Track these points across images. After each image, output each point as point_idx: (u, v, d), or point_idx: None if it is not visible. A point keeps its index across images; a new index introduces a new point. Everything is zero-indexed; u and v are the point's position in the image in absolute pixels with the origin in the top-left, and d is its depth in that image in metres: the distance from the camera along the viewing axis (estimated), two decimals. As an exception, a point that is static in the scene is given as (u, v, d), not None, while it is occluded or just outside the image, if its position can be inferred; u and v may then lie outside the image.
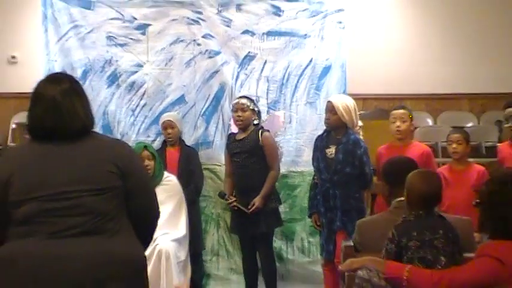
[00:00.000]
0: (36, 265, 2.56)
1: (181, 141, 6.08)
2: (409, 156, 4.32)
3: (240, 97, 5.80)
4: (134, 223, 2.75)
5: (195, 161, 6.06)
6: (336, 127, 5.29)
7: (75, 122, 2.72)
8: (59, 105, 2.71)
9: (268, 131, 5.72)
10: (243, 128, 5.67)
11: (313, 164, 5.46)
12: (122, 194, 2.70)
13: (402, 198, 3.53)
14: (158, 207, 2.92)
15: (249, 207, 5.47)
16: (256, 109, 5.73)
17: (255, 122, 5.69)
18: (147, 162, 5.33)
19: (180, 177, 5.70)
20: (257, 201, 5.49)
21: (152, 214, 2.88)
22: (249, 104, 5.65)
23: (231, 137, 5.82)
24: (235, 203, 5.57)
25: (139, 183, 2.77)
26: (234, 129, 5.89)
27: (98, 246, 2.60)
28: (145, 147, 5.51)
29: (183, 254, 5.43)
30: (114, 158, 2.72)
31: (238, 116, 5.63)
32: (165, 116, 6.09)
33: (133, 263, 2.68)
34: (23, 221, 2.61)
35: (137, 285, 2.71)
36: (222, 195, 5.69)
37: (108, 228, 2.64)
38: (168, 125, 5.99)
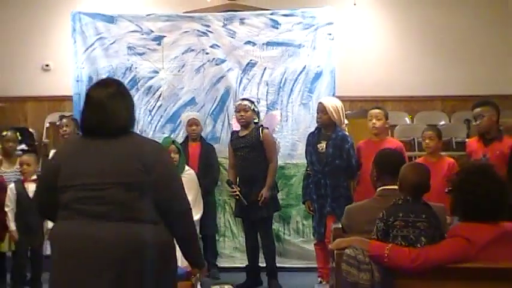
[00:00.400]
0: (69, 244, 2.62)
1: (201, 138, 6.06)
2: (399, 152, 4.34)
3: (242, 99, 5.79)
4: (162, 214, 2.70)
5: (213, 156, 6.04)
6: (326, 125, 5.32)
7: (117, 122, 2.72)
8: (105, 106, 2.71)
9: (267, 128, 5.72)
10: (245, 126, 5.65)
11: (306, 157, 5.47)
12: (145, 188, 2.65)
13: (386, 187, 3.57)
14: (186, 202, 2.84)
15: (258, 198, 5.46)
16: (256, 109, 5.72)
17: (255, 120, 5.69)
18: (173, 155, 5.31)
19: (200, 169, 5.73)
20: (264, 192, 5.47)
21: (177, 207, 2.78)
22: (250, 105, 5.64)
23: (234, 134, 5.79)
24: (237, 193, 5.56)
25: (161, 179, 2.71)
26: (236, 127, 5.88)
27: (117, 231, 2.60)
28: (173, 142, 5.54)
29: (195, 235, 5.45)
30: (140, 156, 2.68)
31: (241, 116, 5.61)
32: (191, 115, 6.08)
33: (141, 247, 2.62)
34: (64, 205, 2.66)
35: (150, 266, 2.65)
36: (229, 183, 5.66)
37: (129, 216, 2.63)
38: (193, 122, 5.97)
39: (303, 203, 5.54)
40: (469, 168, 3.19)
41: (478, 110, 5.21)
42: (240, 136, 5.68)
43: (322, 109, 5.32)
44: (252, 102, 5.73)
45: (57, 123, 6.52)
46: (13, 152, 6.01)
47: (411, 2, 9.15)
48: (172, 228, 2.75)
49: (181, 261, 5.16)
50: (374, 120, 5.43)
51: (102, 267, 2.57)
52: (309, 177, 5.41)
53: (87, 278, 2.58)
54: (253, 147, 5.57)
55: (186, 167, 5.53)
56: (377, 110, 5.50)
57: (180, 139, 6.12)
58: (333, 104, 5.35)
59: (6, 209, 5.41)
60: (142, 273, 2.62)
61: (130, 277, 2.60)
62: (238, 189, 5.57)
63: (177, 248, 5.08)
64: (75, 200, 2.63)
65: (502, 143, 5.11)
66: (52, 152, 5.05)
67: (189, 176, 5.43)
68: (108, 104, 2.71)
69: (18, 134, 6.30)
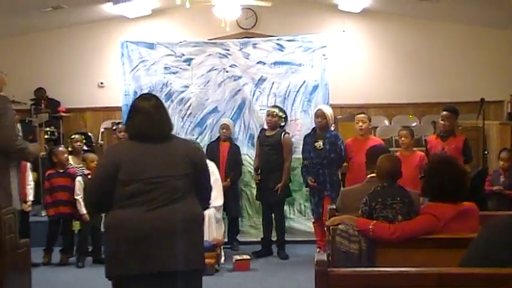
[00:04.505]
0: (136, 228, 2.59)
1: (230, 139, 6.01)
2: (387, 149, 4.34)
3: (272, 106, 5.80)
4: (198, 194, 2.78)
5: (239, 154, 6.00)
6: (323, 127, 5.37)
7: (164, 128, 2.74)
8: (152, 115, 2.70)
9: (288, 133, 5.72)
10: (272, 128, 5.66)
11: (303, 154, 5.49)
12: (193, 176, 2.72)
13: (373, 175, 3.52)
14: (211, 184, 2.96)
15: (275, 189, 5.51)
16: (283, 115, 5.71)
17: (281, 124, 5.68)
18: None
19: (228, 163, 5.74)
20: (280, 187, 5.53)
21: (209, 188, 2.91)
22: (277, 112, 5.66)
23: (262, 131, 5.81)
24: (257, 181, 5.64)
25: (202, 170, 2.81)
26: (266, 125, 5.84)
27: (176, 211, 2.64)
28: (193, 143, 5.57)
29: (219, 216, 5.47)
30: (188, 153, 2.75)
31: (269, 120, 5.64)
32: (223, 120, 6.04)
33: (198, 218, 2.78)
34: (129, 196, 2.61)
35: (201, 232, 2.82)
36: (256, 169, 5.71)
37: (183, 199, 2.67)
38: (224, 127, 5.94)
39: (306, 186, 5.51)
40: (438, 160, 3.18)
41: (445, 113, 5.33)
42: (266, 135, 5.68)
43: (321, 114, 5.36)
44: (281, 110, 5.71)
45: (113, 128, 6.57)
46: (80, 151, 6.04)
47: (389, 29, 9.12)
48: (202, 201, 2.85)
49: (209, 236, 5.22)
50: (360, 123, 5.42)
51: (173, 240, 2.62)
52: (306, 167, 5.44)
53: (162, 250, 2.61)
54: (275, 147, 5.58)
55: (207, 161, 5.56)
56: (362, 115, 5.50)
57: (206, 140, 6.17)
58: (329, 111, 5.44)
59: (77, 197, 5.42)
60: (197, 234, 2.77)
61: (191, 238, 2.70)
62: (259, 178, 5.61)
63: (205, 226, 5.15)
64: (140, 191, 2.61)
65: (456, 138, 5.27)
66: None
67: (211, 168, 5.48)
68: (154, 113, 2.71)
69: (83, 136, 6.40)
